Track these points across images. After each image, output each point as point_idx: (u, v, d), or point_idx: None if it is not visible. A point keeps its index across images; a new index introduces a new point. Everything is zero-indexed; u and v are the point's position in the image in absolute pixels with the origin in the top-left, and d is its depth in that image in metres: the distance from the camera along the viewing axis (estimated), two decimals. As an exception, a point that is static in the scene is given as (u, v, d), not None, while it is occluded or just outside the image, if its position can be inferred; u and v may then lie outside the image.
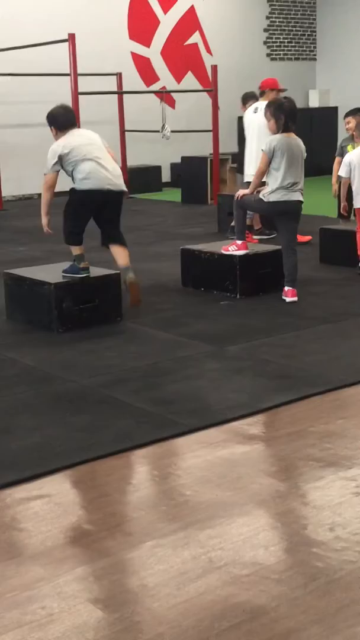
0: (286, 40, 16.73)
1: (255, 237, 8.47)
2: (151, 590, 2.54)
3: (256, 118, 8.17)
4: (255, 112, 8.34)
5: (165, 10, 14.91)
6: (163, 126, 12.19)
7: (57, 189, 5.72)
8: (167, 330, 5.48)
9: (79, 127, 6.19)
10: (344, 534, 2.84)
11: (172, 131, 12.41)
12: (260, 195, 6.17)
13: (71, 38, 10.73)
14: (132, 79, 14.15)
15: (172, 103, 14.51)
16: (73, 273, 5.66)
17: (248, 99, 9.35)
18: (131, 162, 13.76)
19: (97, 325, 5.55)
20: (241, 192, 6.40)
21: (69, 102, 9.38)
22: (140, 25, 14.60)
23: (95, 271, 5.78)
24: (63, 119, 5.77)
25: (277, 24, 16.54)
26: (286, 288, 6.10)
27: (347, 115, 8.54)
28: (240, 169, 9.66)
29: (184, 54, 15.20)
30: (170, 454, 3.63)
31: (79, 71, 10.96)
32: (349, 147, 8.15)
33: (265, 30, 16.38)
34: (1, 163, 12.40)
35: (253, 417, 3.97)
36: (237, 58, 15.75)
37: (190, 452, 3.60)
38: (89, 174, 5.58)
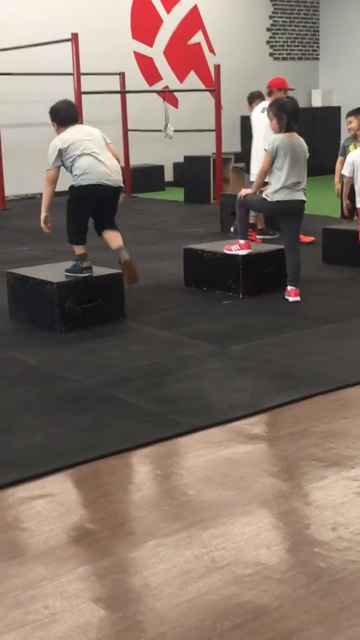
0: (289, 40, 16.72)
1: (258, 236, 8.47)
2: (154, 589, 2.54)
3: (264, 117, 8.17)
4: (262, 112, 8.35)
5: (168, 9, 14.91)
6: (166, 125, 12.18)
7: (58, 188, 5.72)
8: (169, 329, 5.48)
9: (81, 123, 6.18)
10: (346, 534, 2.83)
11: (174, 130, 12.40)
12: (264, 195, 6.17)
13: (74, 37, 10.73)
14: (135, 79, 14.15)
15: (175, 102, 14.51)
16: (76, 272, 5.66)
17: (254, 98, 9.35)
18: (134, 161, 13.76)
19: (99, 325, 5.55)
20: (244, 191, 6.39)
21: (71, 101, 9.36)
22: (143, 24, 14.60)
23: (98, 271, 5.78)
24: (65, 114, 5.78)
25: (280, 23, 16.53)
26: (289, 288, 6.10)
27: (349, 115, 8.53)
28: (247, 168, 9.67)
29: (186, 54, 15.20)
30: (173, 453, 3.63)
31: (82, 71, 10.96)
32: (351, 147, 8.15)
33: (268, 29, 16.38)
34: (4, 162, 12.41)
35: (256, 416, 3.96)
36: (240, 57, 15.75)
37: (192, 451, 3.60)
38: (87, 170, 5.58)
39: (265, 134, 8.18)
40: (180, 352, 4.98)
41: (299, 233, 6.40)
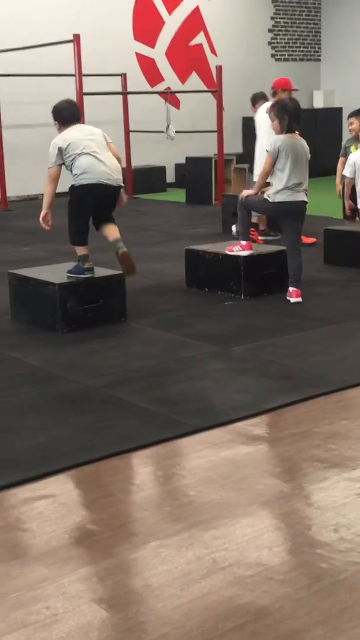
0: (291, 41, 16.73)
1: (260, 237, 8.47)
2: (155, 590, 2.54)
3: (267, 118, 8.18)
4: (266, 113, 8.35)
5: (170, 10, 14.92)
6: (167, 126, 12.18)
7: (58, 189, 5.72)
8: (171, 330, 5.48)
9: (83, 123, 6.18)
10: (348, 535, 2.83)
11: (176, 131, 12.40)
12: (265, 196, 6.17)
13: (76, 39, 10.74)
14: (137, 80, 14.16)
15: (176, 103, 14.52)
16: (77, 273, 5.66)
17: (258, 99, 9.35)
18: (136, 162, 13.77)
19: (101, 326, 5.55)
20: (245, 192, 6.40)
21: (73, 102, 9.36)
22: (145, 25, 14.61)
23: (100, 271, 5.78)
24: (67, 114, 5.78)
25: (282, 24, 16.53)
26: (291, 289, 6.10)
27: (350, 116, 8.54)
28: (251, 169, 9.68)
29: (188, 55, 15.21)
30: (174, 454, 3.63)
31: (84, 72, 10.96)
32: (352, 148, 8.16)
33: (270, 30, 16.38)
34: (6, 163, 12.42)
35: (257, 417, 3.97)
36: (242, 59, 15.75)
37: (194, 452, 3.60)
38: (87, 169, 5.57)
39: (269, 134, 8.18)
40: (181, 353, 4.98)
41: (301, 234, 6.40)
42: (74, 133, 5.67)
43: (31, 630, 2.36)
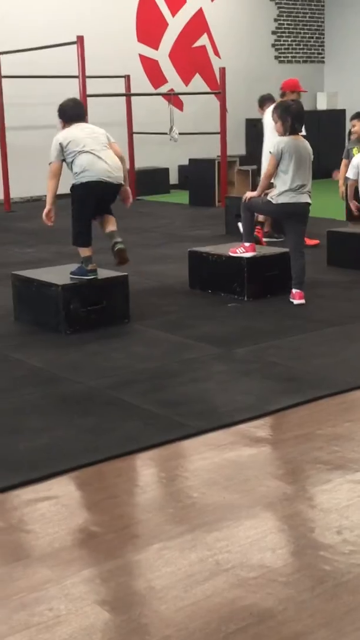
0: (294, 43, 16.73)
1: (264, 239, 8.48)
2: (158, 592, 2.54)
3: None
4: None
5: (174, 12, 14.93)
6: (171, 128, 12.20)
7: (60, 191, 5.71)
8: (174, 332, 5.48)
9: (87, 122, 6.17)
10: (351, 537, 2.83)
11: (180, 133, 12.43)
12: (269, 197, 6.18)
13: (80, 40, 10.75)
14: (140, 81, 14.16)
15: (180, 105, 14.52)
16: (81, 275, 5.66)
17: (265, 101, 9.34)
18: (139, 164, 13.77)
19: (104, 327, 5.55)
20: (249, 194, 6.40)
21: (77, 104, 9.37)
22: (149, 27, 14.61)
23: (103, 273, 5.78)
24: (71, 112, 5.80)
25: (285, 26, 16.53)
26: (294, 290, 6.10)
27: (353, 118, 8.55)
28: (258, 170, 9.68)
29: (192, 56, 15.21)
30: (178, 456, 3.63)
31: (87, 73, 10.97)
32: (355, 150, 8.16)
33: (274, 32, 16.38)
34: (9, 165, 12.43)
35: (260, 419, 3.96)
36: (245, 60, 15.75)
37: (197, 454, 3.60)
38: (86, 167, 5.57)
39: (275, 136, 8.19)
40: (184, 355, 4.98)
41: (304, 236, 6.40)
42: (76, 131, 5.67)
43: (34, 632, 2.36)
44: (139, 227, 10.25)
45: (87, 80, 10.98)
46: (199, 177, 12.76)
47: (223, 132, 12.42)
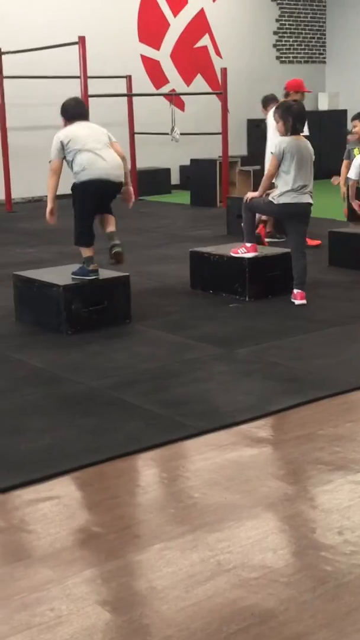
0: (296, 43, 16.72)
1: (266, 239, 8.48)
2: (160, 592, 2.54)
3: None
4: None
5: (175, 13, 14.93)
6: (172, 129, 12.20)
7: (61, 191, 5.71)
8: (175, 332, 5.48)
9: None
10: (352, 538, 2.83)
11: (181, 134, 12.42)
12: (270, 198, 6.17)
13: (81, 41, 10.75)
14: (142, 82, 14.16)
15: (181, 106, 14.51)
16: (82, 275, 5.66)
17: (269, 101, 9.34)
18: (140, 164, 13.77)
19: (105, 327, 5.55)
20: (250, 194, 6.40)
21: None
22: (150, 27, 14.61)
23: (104, 273, 5.78)
24: (72, 111, 5.82)
25: (287, 26, 16.53)
26: (295, 291, 6.10)
27: (354, 118, 8.55)
28: (262, 170, 9.68)
29: (193, 57, 15.21)
30: (179, 456, 3.63)
31: (89, 74, 10.98)
32: (355, 151, 8.17)
33: (275, 32, 16.37)
34: (11, 165, 12.44)
35: (262, 420, 3.96)
36: (247, 61, 15.75)
37: (198, 454, 3.60)
38: (86, 166, 5.57)
39: (278, 136, 8.20)
40: (186, 355, 4.98)
41: (306, 236, 6.39)
42: (77, 129, 5.68)
43: (35, 632, 2.36)
44: (141, 227, 10.25)
45: (89, 80, 10.98)
46: (200, 177, 12.76)
47: (224, 133, 12.42)
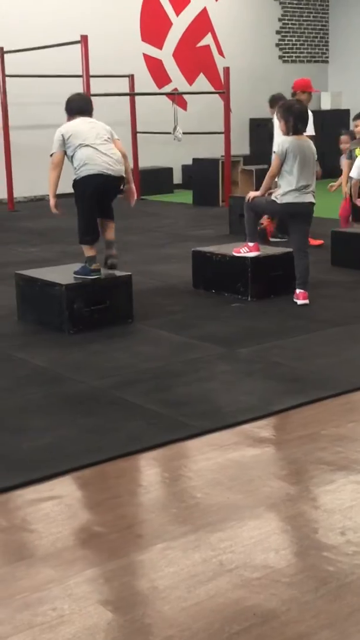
0: (298, 43, 16.72)
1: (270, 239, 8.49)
2: (162, 592, 2.54)
3: None
4: None
5: (178, 12, 14.92)
6: (175, 128, 12.18)
7: (60, 190, 5.70)
8: (177, 332, 5.48)
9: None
10: (355, 538, 2.83)
11: (183, 133, 12.41)
12: (273, 197, 6.17)
13: (84, 40, 10.75)
14: (144, 81, 14.16)
15: (184, 105, 14.52)
16: (84, 274, 5.66)
17: (276, 100, 9.32)
18: (143, 163, 13.77)
19: (107, 327, 5.55)
20: (252, 194, 6.39)
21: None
22: (153, 27, 14.61)
23: (106, 273, 5.77)
24: (74, 105, 5.83)
25: (290, 26, 16.52)
26: (297, 291, 6.09)
27: (355, 118, 8.54)
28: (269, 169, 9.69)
29: (196, 56, 15.20)
30: (181, 456, 3.63)
31: (91, 73, 10.97)
32: (357, 151, 8.16)
33: (278, 32, 16.37)
34: (13, 164, 12.44)
35: (264, 419, 3.96)
36: (249, 60, 15.74)
37: (200, 454, 3.60)
38: (86, 161, 5.56)
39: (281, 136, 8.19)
40: (188, 355, 4.97)
41: (308, 236, 6.39)
42: (79, 124, 5.68)
43: (37, 632, 2.36)
44: (143, 226, 10.25)
45: (91, 79, 10.97)
46: (202, 176, 12.75)
47: (227, 132, 12.42)
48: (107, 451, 3.60)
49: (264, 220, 8.45)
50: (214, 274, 6.55)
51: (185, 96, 14.46)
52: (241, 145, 15.04)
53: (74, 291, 5.52)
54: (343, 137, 8.80)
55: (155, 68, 14.75)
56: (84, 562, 2.73)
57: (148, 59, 14.66)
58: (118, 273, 5.81)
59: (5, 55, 12.13)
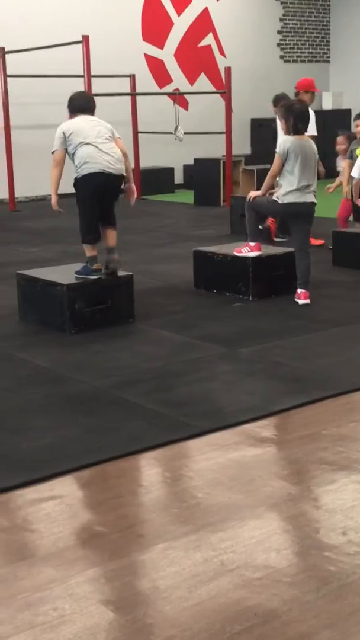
0: (300, 43, 16.71)
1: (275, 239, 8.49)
2: (163, 592, 2.54)
3: None
4: None
5: (179, 12, 14.92)
6: (176, 128, 12.19)
7: (61, 190, 5.69)
8: (179, 332, 5.48)
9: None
10: (356, 538, 2.82)
11: (185, 133, 12.41)
12: (274, 197, 6.16)
13: (85, 39, 10.75)
14: (146, 81, 14.16)
15: (185, 105, 14.52)
16: (85, 274, 5.66)
17: (279, 100, 9.31)
18: (144, 163, 13.77)
19: (109, 327, 5.55)
20: (252, 193, 6.39)
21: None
22: (154, 27, 14.61)
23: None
24: (76, 103, 5.84)
25: (291, 26, 16.52)
26: (299, 290, 6.09)
27: (356, 118, 8.54)
28: None
29: (197, 56, 15.20)
30: (182, 456, 3.63)
31: (93, 73, 10.97)
32: (358, 151, 8.15)
33: (279, 32, 16.37)
34: (14, 164, 12.44)
35: (265, 419, 3.96)
36: (251, 60, 15.74)
37: (201, 454, 3.60)
38: (87, 159, 5.56)
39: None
40: (189, 355, 4.97)
41: (310, 236, 6.39)
42: (80, 122, 5.68)
43: (38, 632, 2.36)
44: (144, 226, 10.25)
45: (92, 79, 10.97)
46: (204, 176, 12.76)
47: (228, 132, 12.41)
48: (108, 451, 3.60)
49: (268, 220, 8.46)
50: (215, 273, 6.55)
51: (186, 96, 14.46)
52: (242, 145, 15.04)
53: (75, 291, 5.52)
54: (339, 139, 8.77)
55: (157, 68, 14.75)
56: (85, 562, 2.73)
57: (149, 58, 14.67)
58: (119, 273, 5.81)
59: (7, 56, 12.13)
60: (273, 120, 9.36)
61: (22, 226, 10.76)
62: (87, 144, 5.57)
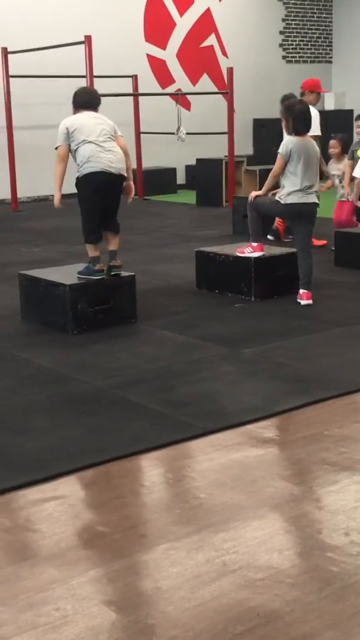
0: (302, 43, 16.71)
1: (269, 237, 8.48)
2: (165, 593, 2.54)
3: None
4: None
5: (181, 12, 14.92)
6: (178, 128, 12.19)
7: (64, 190, 5.68)
8: (181, 332, 5.48)
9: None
10: (358, 539, 2.82)
11: (187, 133, 12.41)
12: (277, 197, 6.16)
13: (87, 40, 10.75)
14: (148, 81, 14.17)
15: (187, 105, 14.52)
16: (88, 275, 5.66)
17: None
18: (146, 164, 13.77)
19: (111, 327, 5.55)
20: (254, 193, 6.39)
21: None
22: (156, 27, 14.61)
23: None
24: (79, 99, 5.84)
25: (293, 26, 16.51)
26: (301, 291, 6.09)
27: (357, 118, 8.53)
28: None
29: (199, 56, 15.20)
30: (184, 456, 3.62)
31: (95, 73, 10.97)
32: (359, 152, 8.15)
33: (281, 32, 16.36)
34: (16, 164, 12.45)
35: (267, 420, 3.96)
36: (253, 60, 15.74)
37: (204, 454, 3.60)
38: (89, 158, 5.55)
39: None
40: (191, 355, 4.97)
41: (312, 236, 6.38)
42: (83, 118, 5.67)
43: (41, 632, 2.36)
44: (146, 227, 10.25)
45: (95, 80, 10.97)
46: (206, 177, 12.75)
47: (230, 132, 12.41)
48: (111, 451, 3.60)
49: (277, 221, 8.47)
50: (217, 274, 6.55)
51: (188, 96, 14.47)
52: (244, 146, 15.04)
53: (77, 291, 5.52)
54: (332, 142, 8.72)
55: (159, 68, 14.75)
56: (87, 562, 2.73)
57: (151, 59, 14.67)
58: (121, 273, 5.80)
59: (9, 56, 12.14)
60: (280, 121, 9.36)
61: (24, 226, 10.77)
62: (90, 142, 5.56)
